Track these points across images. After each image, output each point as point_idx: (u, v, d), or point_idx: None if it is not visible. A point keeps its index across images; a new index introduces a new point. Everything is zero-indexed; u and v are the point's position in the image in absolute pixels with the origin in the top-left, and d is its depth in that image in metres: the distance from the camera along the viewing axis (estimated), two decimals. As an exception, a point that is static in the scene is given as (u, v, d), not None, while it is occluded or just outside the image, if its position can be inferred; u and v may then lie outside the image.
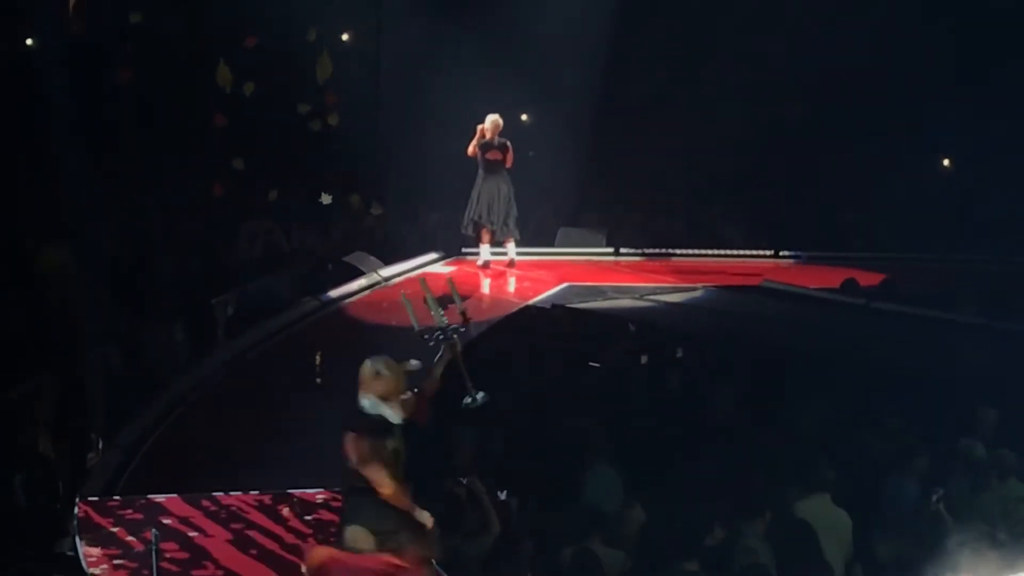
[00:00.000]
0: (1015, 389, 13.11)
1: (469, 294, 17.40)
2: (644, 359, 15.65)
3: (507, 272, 18.36)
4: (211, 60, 20.39)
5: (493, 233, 18.21)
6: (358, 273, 17.76)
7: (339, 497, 10.62)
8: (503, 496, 11.17)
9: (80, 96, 19.64)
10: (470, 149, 17.97)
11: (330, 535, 10.10)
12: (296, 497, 10.74)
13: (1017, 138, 20.38)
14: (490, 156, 17.94)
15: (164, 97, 20.27)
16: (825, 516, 10.96)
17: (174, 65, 20.55)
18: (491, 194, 18.03)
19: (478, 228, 18.22)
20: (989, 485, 11.81)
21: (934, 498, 11.34)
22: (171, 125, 19.92)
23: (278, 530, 10.25)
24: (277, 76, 20.81)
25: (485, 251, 18.39)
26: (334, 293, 16.99)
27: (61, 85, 19.90)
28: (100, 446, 12.66)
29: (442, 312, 9.51)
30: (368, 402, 8.50)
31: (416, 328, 9.49)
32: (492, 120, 17.97)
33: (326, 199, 20.55)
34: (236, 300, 16.44)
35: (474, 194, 18.10)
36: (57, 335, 14.15)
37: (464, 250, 19.23)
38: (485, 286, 17.94)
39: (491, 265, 18.39)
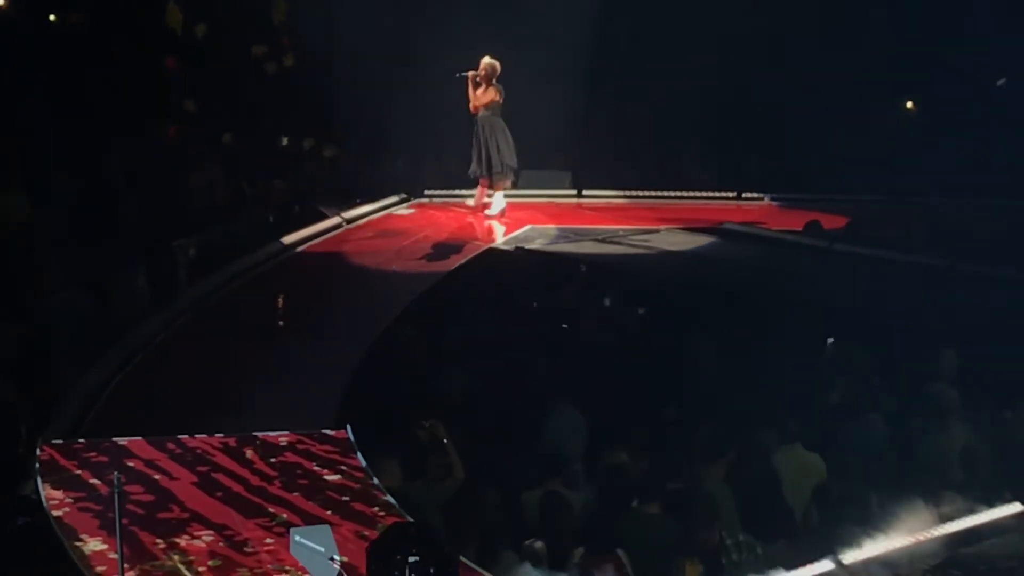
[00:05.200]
0: (976, 330, 13.22)
1: (432, 236, 17.44)
2: (606, 301, 15.71)
3: (467, 214, 18.31)
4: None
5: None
6: (321, 216, 17.71)
7: (304, 440, 10.67)
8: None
9: (32, 40, 19.44)
10: (493, 97, 17.65)
11: (296, 477, 10.15)
12: (260, 439, 10.74)
13: (979, 79, 20.44)
14: (501, 99, 17.80)
15: (121, 39, 20.08)
16: (795, 462, 11.06)
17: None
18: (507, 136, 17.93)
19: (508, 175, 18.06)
20: (947, 426, 11.90)
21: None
22: (128, 68, 19.72)
23: (244, 472, 10.25)
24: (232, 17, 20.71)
25: (499, 199, 18.19)
26: (296, 236, 16.94)
27: (11, 30, 19.69)
28: (63, 389, 12.63)
29: None
30: None
31: None
32: (494, 64, 17.76)
33: (284, 141, 20.44)
34: (198, 244, 16.38)
35: (500, 139, 17.85)
36: (18, 279, 14.14)
37: (427, 192, 19.19)
38: (448, 227, 17.91)
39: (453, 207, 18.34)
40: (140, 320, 14.08)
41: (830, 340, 13.80)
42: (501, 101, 17.72)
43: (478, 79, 17.69)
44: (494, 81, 17.69)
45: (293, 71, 21.19)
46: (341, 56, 20.60)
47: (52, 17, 20.06)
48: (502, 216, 18.06)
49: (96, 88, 18.53)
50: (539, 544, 9.38)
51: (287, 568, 8.38)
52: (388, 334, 13.78)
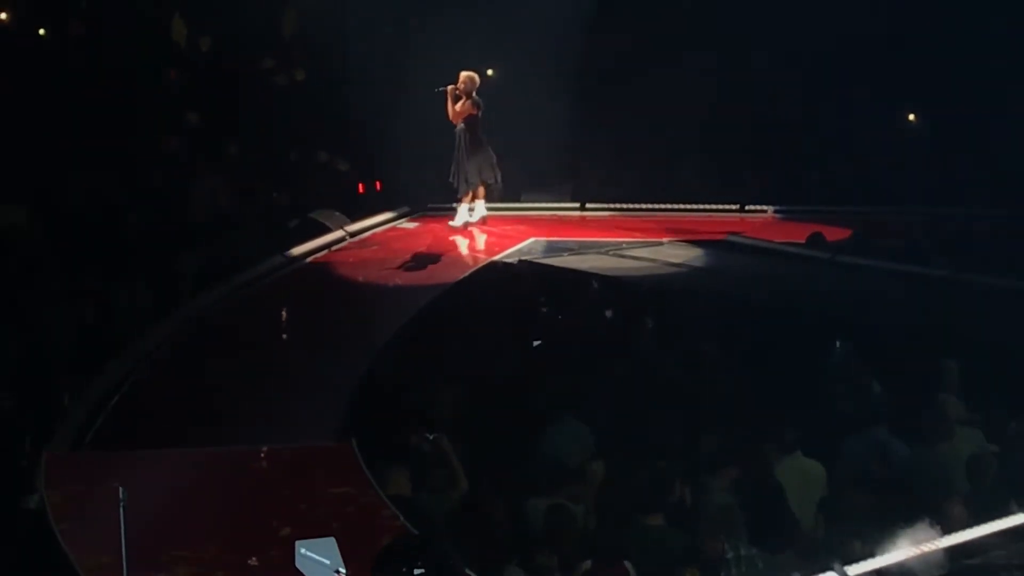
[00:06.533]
0: (980, 341, 13.20)
1: (436, 249, 17.43)
2: (609, 314, 15.69)
3: (472, 228, 18.27)
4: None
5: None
6: (325, 230, 17.69)
7: (308, 452, 10.67)
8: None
9: (34, 50, 19.46)
10: (471, 110, 17.56)
11: (300, 489, 10.15)
12: (264, 452, 10.75)
13: (983, 89, 20.43)
14: (480, 112, 17.71)
15: (126, 51, 20.11)
16: (799, 473, 11.05)
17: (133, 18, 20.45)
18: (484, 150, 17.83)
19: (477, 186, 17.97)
20: (952, 437, 11.87)
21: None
22: (132, 79, 19.73)
23: (248, 485, 10.26)
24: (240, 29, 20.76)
25: (466, 211, 18.11)
26: (300, 250, 16.92)
27: (13, 40, 19.71)
28: (66, 401, 12.63)
29: None
30: None
31: None
32: (473, 77, 17.69)
33: (292, 155, 20.44)
34: (201, 255, 16.36)
35: (477, 153, 17.78)
36: (20, 291, 14.15)
37: (431, 205, 19.18)
38: (452, 240, 17.89)
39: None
40: (143, 332, 14.07)
41: (834, 351, 13.79)
42: (479, 114, 17.64)
43: (457, 92, 17.62)
44: (474, 94, 17.63)
45: (301, 85, 21.20)
46: (348, 69, 20.60)
47: (56, 29, 20.08)
48: (464, 228, 17.99)
49: (100, 99, 18.55)
50: (544, 556, 9.38)
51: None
52: (392, 347, 13.78)
